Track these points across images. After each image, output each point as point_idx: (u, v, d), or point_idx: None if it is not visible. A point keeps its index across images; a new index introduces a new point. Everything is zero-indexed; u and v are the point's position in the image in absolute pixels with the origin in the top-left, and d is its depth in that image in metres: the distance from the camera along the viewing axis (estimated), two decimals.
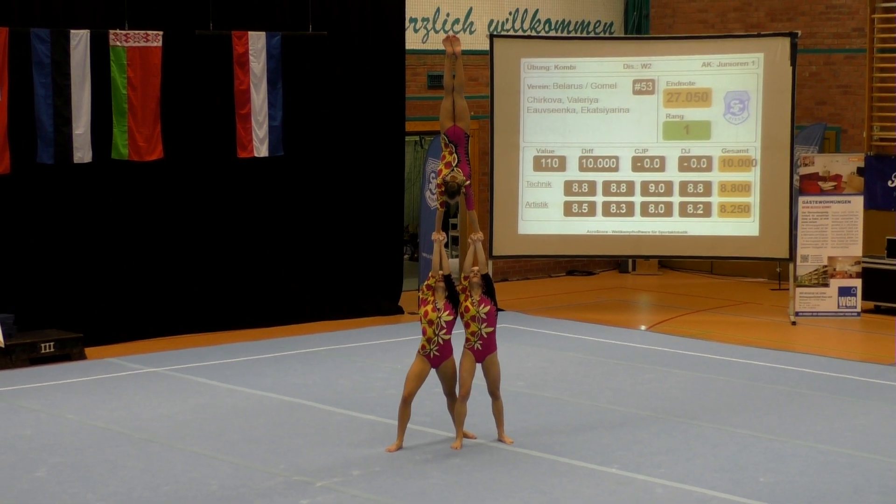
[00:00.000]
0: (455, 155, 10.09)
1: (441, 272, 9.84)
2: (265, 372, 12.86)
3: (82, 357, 13.60)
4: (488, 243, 16.58)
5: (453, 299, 9.83)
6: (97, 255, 14.50)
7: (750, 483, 9.04)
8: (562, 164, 16.82)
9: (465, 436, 10.04)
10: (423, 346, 9.82)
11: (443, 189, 10.00)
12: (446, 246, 20.32)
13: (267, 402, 11.57)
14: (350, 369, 13.01)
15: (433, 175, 15.97)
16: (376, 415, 10.94)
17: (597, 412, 11.17)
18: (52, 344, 13.43)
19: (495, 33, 17.80)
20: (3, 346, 13.06)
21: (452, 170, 10.04)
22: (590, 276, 20.35)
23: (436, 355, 9.80)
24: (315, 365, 13.25)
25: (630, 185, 16.73)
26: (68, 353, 13.52)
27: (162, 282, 14.97)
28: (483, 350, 9.88)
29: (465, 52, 18.49)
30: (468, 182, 10.06)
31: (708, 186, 16.58)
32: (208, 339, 14.70)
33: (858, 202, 16.27)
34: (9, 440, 10.17)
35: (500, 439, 10.08)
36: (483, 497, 8.71)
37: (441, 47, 10.55)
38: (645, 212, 16.71)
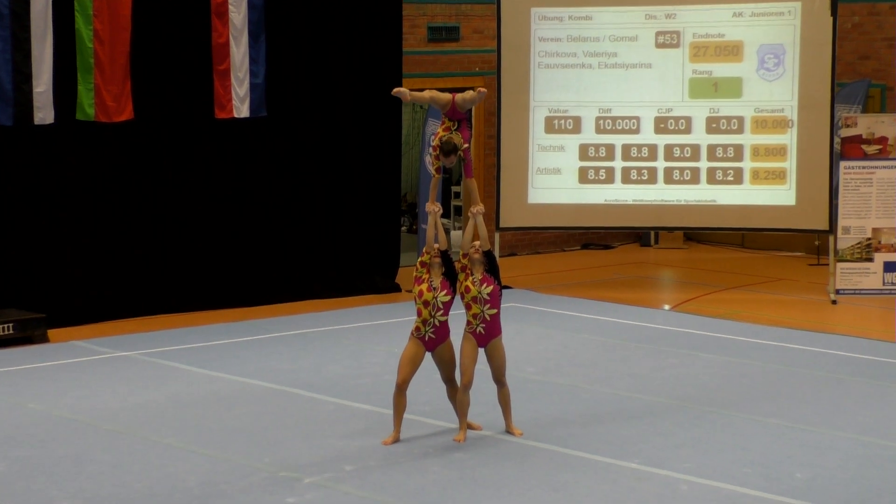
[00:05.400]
0: (455, 122, 10.16)
1: (437, 246, 9.85)
2: (248, 356, 12.87)
3: (45, 340, 13.61)
4: (495, 214, 16.57)
5: (451, 277, 9.84)
6: (61, 227, 14.49)
7: (785, 479, 9.06)
8: (576, 126, 16.80)
9: (469, 427, 10.05)
10: (416, 329, 9.83)
11: (438, 152, 10.04)
12: (447, 217, 20.22)
13: (250, 389, 11.59)
14: (342, 353, 13.03)
15: (433, 138, 15.96)
16: (371, 404, 10.96)
17: (615, 401, 11.19)
18: (11, 325, 13.44)
19: None
20: None
21: (451, 132, 10.07)
22: (607, 249, 20.35)
23: (431, 338, 9.81)
24: (303, 348, 13.26)
25: (652, 148, 16.71)
26: (29, 335, 13.53)
27: (133, 257, 14.97)
28: (486, 334, 9.88)
29: (469, 2, 18.52)
30: (466, 146, 10.08)
31: (739, 150, 16.56)
32: (185, 320, 14.70)
33: None
34: None
35: (508, 431, 10.09)
36: (489, 494, 8.73)
37: None
38: (669, 178, 16.70)
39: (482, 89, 10.30)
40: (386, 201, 16.76)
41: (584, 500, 8.64)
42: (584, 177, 16.82)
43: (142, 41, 14.65)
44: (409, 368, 9.83)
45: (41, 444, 9.85)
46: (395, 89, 10.36)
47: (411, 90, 10.40)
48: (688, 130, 16.65)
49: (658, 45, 16.68)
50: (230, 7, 15.06)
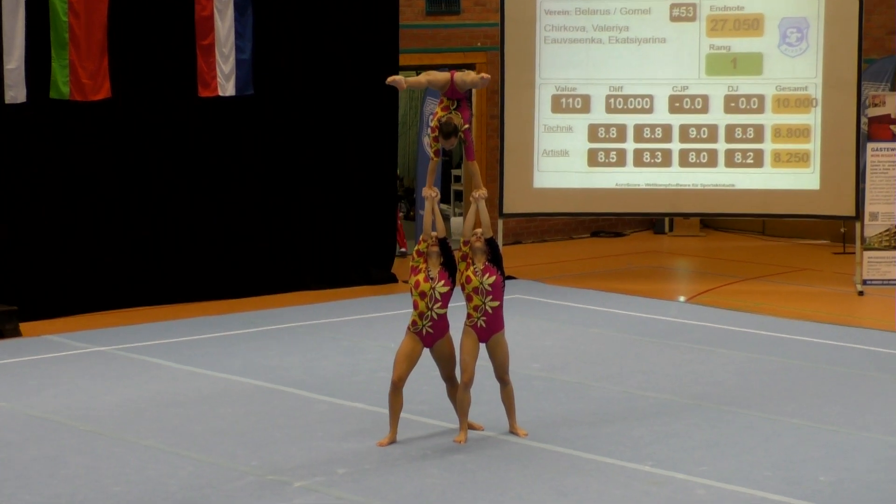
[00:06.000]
0: (454, 101, 10.14)
1: (435, 234, 9.83)
2: (234, 352, 12.87)
3: (16, 334, 13.62)
4: (498, 199, 16.56)
5: (450, 266, 9.82)
6: (33, 213, 14.48)
7: (808, 482, 9.05)
8: (585, 105, 16.77)
9: (471, 427, 10.06)
10: (413, 322, 9.82)
11: (436, 134, 10.03)
12: (446, 203, 20.18)
13: (236, 387, 11.58)
14: (334, 349, 13.03)
15: (431, 118, 15.94)
16: (365, 402, 10.95)
17: (626, 399, 11.19)
18: None
19: None
20: None
21: (450, 112, 10.06)
22: (618, 237, 20.37)
23: (429, 333, 9.80)
24: (292, 344, 13.27)
25: (666, 129, 16.70)
26: (0, 329, 13.51)
27: (111, 245, 14.97)
28: (488, 328, 9.86)
29: None
30: (467, 126, 10.07)
31: (759, 131, 16.55)
32: (166, 313, 14.72)
33: None
34: None
35: (512, 431, 10.09)
36: (491, 499, 8.72)
37: None
38: (684, 161, 16.69)
39: (486, 76, 10.28)
40: (381, 186, 16.75)
41: None
42: (593, 159, 16.80)
43: (120, 14, 14.63)
44: (405, 365, 9.82)
45: (12, 446, 9.84)
46: (390, 78, 10.28)
47: (406, 77, 10.33)
48: (704, 110, 16.64)
49: (673, 19, 16.66)
50: None
